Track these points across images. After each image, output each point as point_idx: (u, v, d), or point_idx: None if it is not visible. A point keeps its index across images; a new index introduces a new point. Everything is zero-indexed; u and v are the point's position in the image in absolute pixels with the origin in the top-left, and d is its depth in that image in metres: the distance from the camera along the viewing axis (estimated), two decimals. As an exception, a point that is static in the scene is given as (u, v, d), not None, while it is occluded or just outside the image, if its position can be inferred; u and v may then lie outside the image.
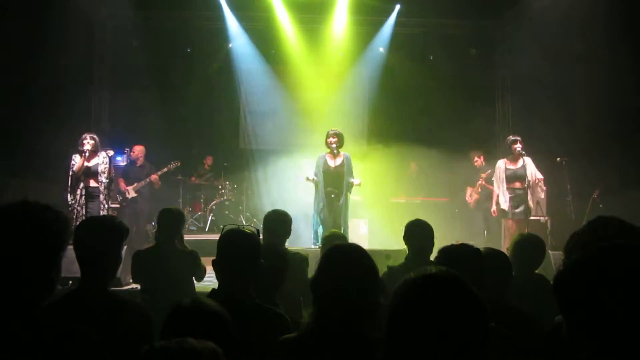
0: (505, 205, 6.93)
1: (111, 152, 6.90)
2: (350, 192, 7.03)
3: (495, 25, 10.37)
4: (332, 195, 6.88)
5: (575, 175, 7.15)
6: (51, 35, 7.70)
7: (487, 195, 8.10)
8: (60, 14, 7.84)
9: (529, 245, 3.27)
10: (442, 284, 1.18)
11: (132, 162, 8.28)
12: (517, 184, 6.92)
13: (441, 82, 9.85)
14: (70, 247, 1.91)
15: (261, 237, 2.76)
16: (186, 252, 3.91)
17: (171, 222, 3.88)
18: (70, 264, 2.20)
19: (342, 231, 6.22)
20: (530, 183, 6.81)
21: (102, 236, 2.10)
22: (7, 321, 1.35)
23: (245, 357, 1.65)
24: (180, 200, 9.88)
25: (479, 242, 7.44)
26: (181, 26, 10.16)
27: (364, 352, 1.67)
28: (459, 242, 2.36)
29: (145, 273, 3.76)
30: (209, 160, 10.54)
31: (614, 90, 7.62)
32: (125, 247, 4.81)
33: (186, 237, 4.10)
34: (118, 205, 7.93)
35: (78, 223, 2.51)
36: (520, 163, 6.95)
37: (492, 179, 7.37)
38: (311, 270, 3.37)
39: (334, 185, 6.90)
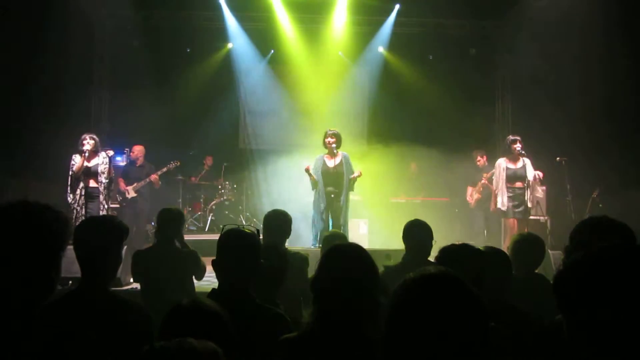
0: (503, 204, 6.95)
1: (111, 152, 6.90)
2: (352, 189, 7.02)
3: (495, 25, 10.37)
4: (332, 195, 6.88)
5: (574, 175, 7.16)
6: (51, 35, 7.71)
7: (489, 195, 8.10)
8: (60, 14, 7.85)
9: (529, 245, 3.27)
10: (442, 284, 1.18)
11: (131, 162, 8.28)
12: (518, 184, 6.93)
13: (441, 82, 9.84)
14: (70, 247, 1.91)
15: (261, 237, 2.76)
16: (186, 252, 3.91)
17: (171, 222, 3.88)
18: (70, 264, 2.20)
19: (342, 231, 6.22)
20: (530, 183, 6.83)
21: (102, 236, 2.10)
22: (7, 321, 1.35)
23: (246, 357, 1.65)
24: (180, 200, 9.87)
25: (479, 242, 7.44)
26: (181, 26, 10.17)
27: (364, 352, 1.67)
28: (460, 242, 2.35)
29: (145, 273, 3.76)
30: (209, 161, 10.53)
31: (614, 90, 7.63)
32: (125, 247, 4.80)
33: (186, 237, 4.09)
34: (118, 205, 7.92)
35: (78, 223, 2.51)
36: (520, 163, 6.97)
37: (493, 178, 7.38)
38: (311, 270, 3.37)
39: (333, 185, 6.91)
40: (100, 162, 6.76)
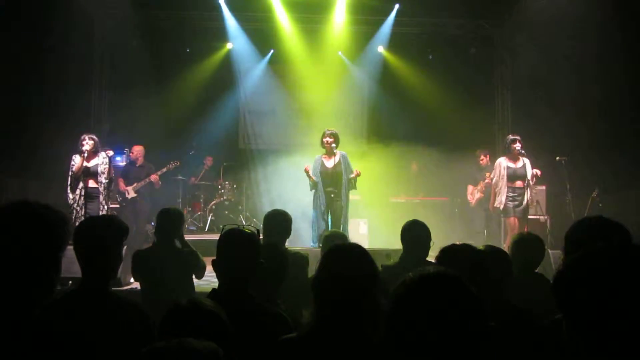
0: (501, 203, 6.97)
1: (111, 153, 6.91)
2: (355, 188, 7.02)
3: (495, 25, 10.37)
4: (332, 195, 6.90)
5: (574, 175, 7.16)
6: (51, 35, 7.70)
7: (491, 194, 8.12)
8: (60, 14, 7.85)
9: (529, 244, 3.27)
10: (442, 283, 1.19)
11: (131, 163, 8.28)
12: (518, 183, 6.96)
13: (441, 82, 9.84)
14: (70, 247, 1.91)
15: (261, 236, 2.76)
16: (186, 252, 3.92)
17: (170, 222, 3.88)
18: (70, 264, 2.20)
19: (342, 231, 6.22)
20: (530, 182, 6.88)
21: (102, 236, 2.10)
22: (7, 321, 1.35)
23: (246, 357, 1.65)
24: (180, 200, 9.87)
25: (479, 241, 7.44)
26: (181, 26, 10.16)
27: (365, 352, 1.67)
28: (461, 242, 2.36)
29: (145, 273, 3.76)
30: (208, 161, 10.53)
31: (613, 90, 7.63)
32: (125, 247, 4.80)
33: (186, 237, 4.09)
34: (118, 206, 7.93)
35: (77, 223, 2.52)
36: (520, 162, 7.00)
37: (492, 176, 7.38)
38: (311, 270, 3.37)
39: (333, 185, 6.92)
40: (100, 162, 6.77)
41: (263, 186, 10.50)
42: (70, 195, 6.61)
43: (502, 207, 6.94)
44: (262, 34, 10.51)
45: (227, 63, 10.78)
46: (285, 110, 10.94)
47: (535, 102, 9.38)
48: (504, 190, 6.95)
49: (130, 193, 7.92)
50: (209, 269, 2.86)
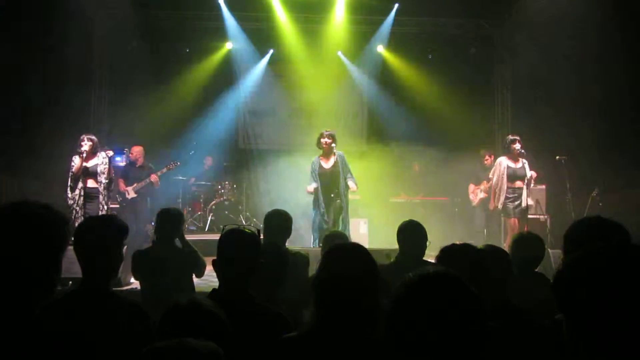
0: (500, 202, 6.98)
1: (110, 153, 6.91)
2: (347, 195, 7.05)
3: (495, 25, 10.37)
4: (332, 195, 6.91)
5: (574, 174, 7.16)
6: (51, 35, 7.70)
7: (493, 195, 8.12)
8: (60, 14, 7.84)
9: (529, 244, 3.27)
10: (442, 283, 1.19)
11: (131, 163, 8.28)
12: (519, 183, 6.97)
13: (441, 82, 9.84)
14: (71, 247, 1.91)
15: (261, 236, 2.76)
16: (186, 252, 3.92)
17: (170, 222, 3.88)
18: (70, 264, 2.20)
19: (342, 230, 6.22)
20: (530, 184, 6.90)
21: (103, 236, 2.10)
22: (7, 321, 1.35)
23: (246, 357, 1.65)
24: (180, 200, 9.87)
25: (479, 241, 7.44)
26: (180, 26, 10.15)
27: (365, 352, 1.67)
28: (461, 242, 2.36)
29: (145, 273, 3.76)
30: (208, 161, 10.53)
31: (613, 90, 7.63)
32: (125, 247, 4.80)
33: (186, 237, 4.10)
34: (117, 206, 7.93)
35: (77, 223, 2.52)
36: (520, 163, 7.01)
37: (491, 175, 7.38)
38: (312, 270, 3.37)
39: (332, 185, 6.94)
40: (100, 162, 6.77)
41: (263, 186, 10.49)
42: (70, 195, 6.61)
43: (502, 206, 6.95)
44: (261, 34, 10.50)
45: (227, 63, 10.77)
46: (285, 110, 10.95)
47: (535, 102, 9.38)
48: (504, 190, 6.96)
49: (130, 193, 7.92)
50: (209, 269, 2.86)
